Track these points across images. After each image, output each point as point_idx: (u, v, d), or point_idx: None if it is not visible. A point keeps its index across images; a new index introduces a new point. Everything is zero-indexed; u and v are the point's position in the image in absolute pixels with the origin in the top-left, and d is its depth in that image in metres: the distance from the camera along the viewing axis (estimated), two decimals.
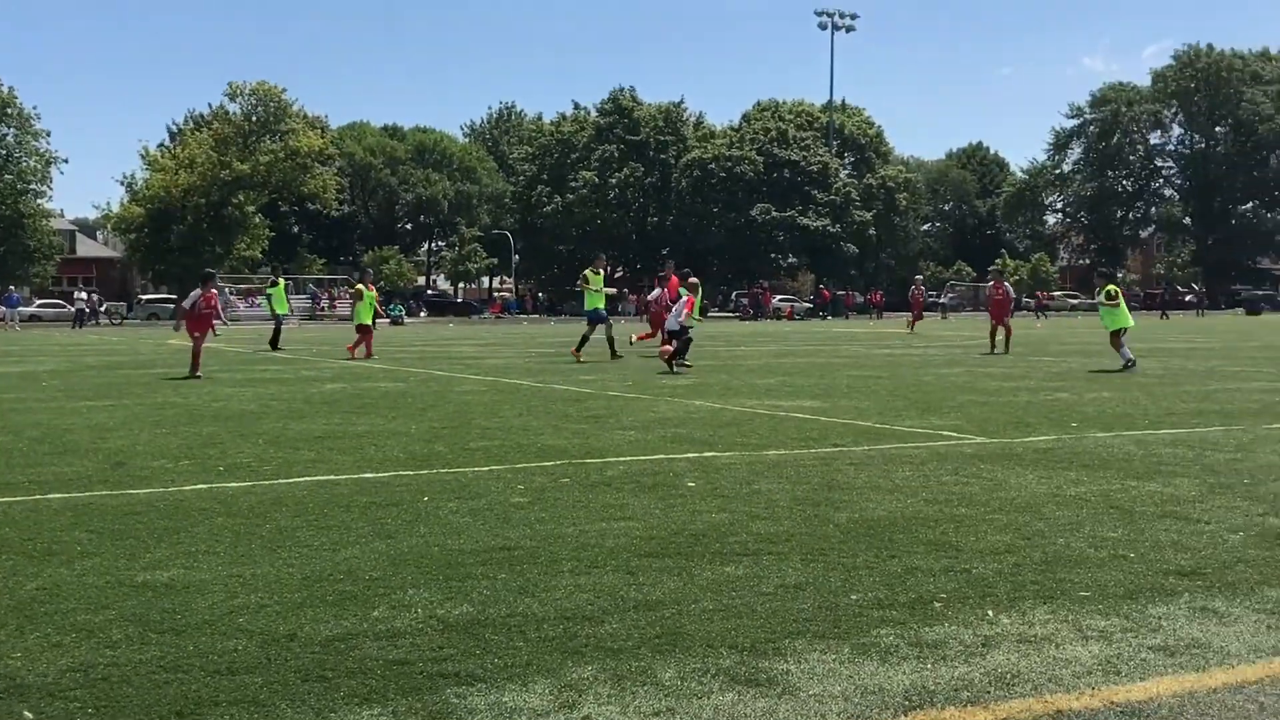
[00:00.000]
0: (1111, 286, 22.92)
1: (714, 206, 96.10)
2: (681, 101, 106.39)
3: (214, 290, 21.94)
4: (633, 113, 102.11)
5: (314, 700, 4.30)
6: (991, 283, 30.78)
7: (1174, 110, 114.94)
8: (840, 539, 6.91)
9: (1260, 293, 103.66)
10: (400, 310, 70.79)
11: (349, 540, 6.92)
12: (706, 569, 6.19)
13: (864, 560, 6.37)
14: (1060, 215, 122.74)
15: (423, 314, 79.61)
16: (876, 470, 9.56)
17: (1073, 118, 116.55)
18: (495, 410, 14.61)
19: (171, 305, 77.12)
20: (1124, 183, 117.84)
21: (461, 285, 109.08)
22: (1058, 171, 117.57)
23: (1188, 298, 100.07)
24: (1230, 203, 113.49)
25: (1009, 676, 4.50)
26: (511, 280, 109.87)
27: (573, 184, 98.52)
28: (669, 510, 7.81)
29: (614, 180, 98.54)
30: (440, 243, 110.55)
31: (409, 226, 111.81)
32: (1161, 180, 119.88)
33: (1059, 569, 6.19)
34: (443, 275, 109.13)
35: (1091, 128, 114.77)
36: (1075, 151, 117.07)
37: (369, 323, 27.50)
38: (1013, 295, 31.27)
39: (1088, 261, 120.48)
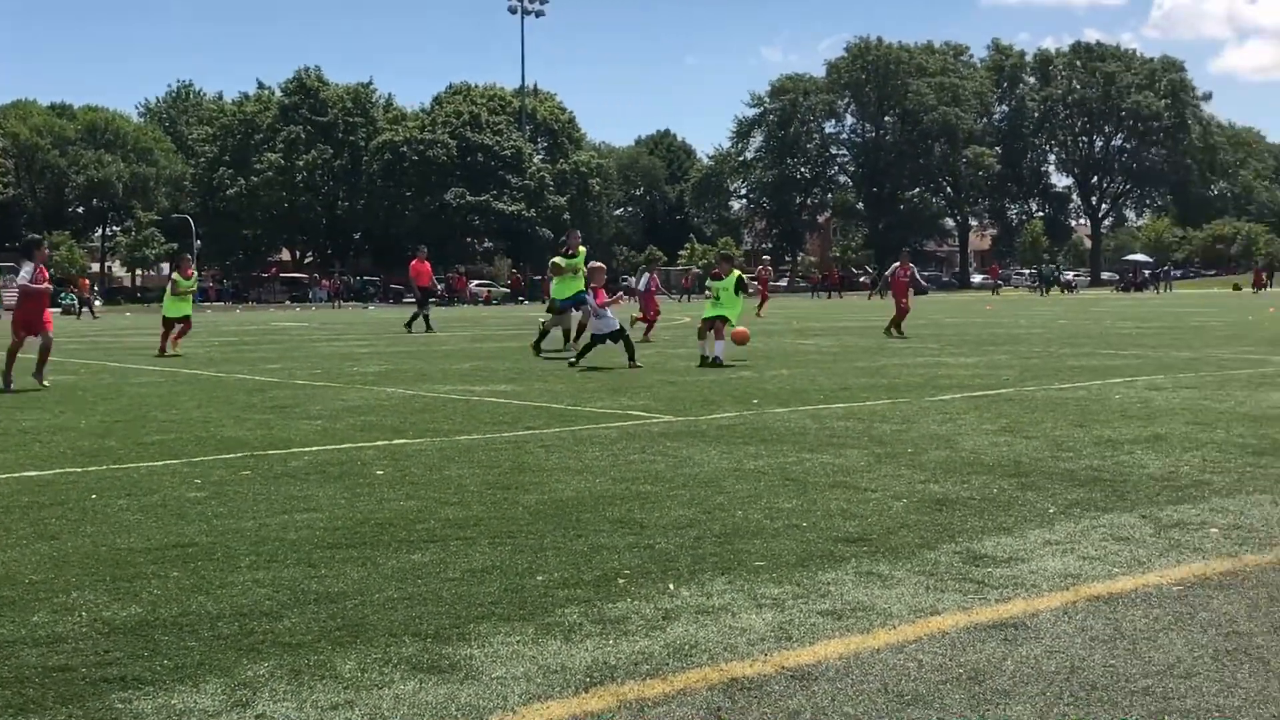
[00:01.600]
0: (737, 271, 19.58)
1: (407, 190, 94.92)
2: (370, 83, 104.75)
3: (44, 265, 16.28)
4: (319, 93, 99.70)
5: None
6: (898, 264, 28.30)
7: (847, 100, 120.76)
8: (529, 521, 6.94)
9: (925, 273, 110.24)
10: (73, 299, 66.62)
11: (8, 543, 6.48)
12: (392, 558, 6.09)
13: (551, 541, 6.42)
14: (744, 201, 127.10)
15: (98, 302, 75.31)
16: (567, 451, 9.65)
17: (754, 107, 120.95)
18: (173, 402, 13.98)
19: None
20: (802, 169, 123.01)
21: (139, 272, 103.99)
22: (741, 159, 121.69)
23: (861, 279, 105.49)
24: (898, 189, 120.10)
25: (687, 647, 4.62)
26: (193, 266, 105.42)
27: (257, 166, 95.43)
28: (355, 500, 7.66)
29: (301, 162, 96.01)
30: (115, 228, 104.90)
31: (80, 210, 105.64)
32: (836, 167, 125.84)
33: (737, 540, 6.40)
34: (118, 262, 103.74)
35: (771, 116, 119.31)
36: (757, 139, 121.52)
37: (178, 315, 23.49)
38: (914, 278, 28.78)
39: (770, 245, 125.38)
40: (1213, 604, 5.15)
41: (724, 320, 18.56)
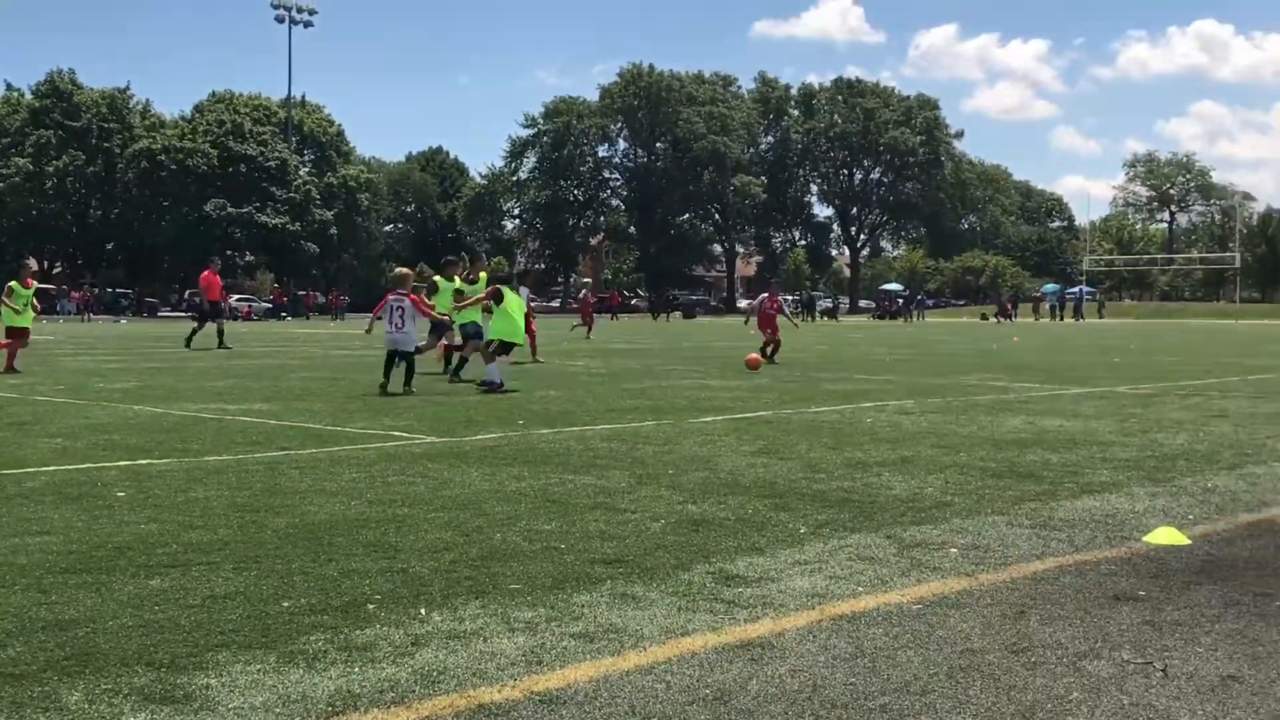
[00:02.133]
0: (503, 288, 18.22)
1: (164, 200, 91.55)
2: (128, 88, 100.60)
3: None
4: (73, 97, 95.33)
5: None
6: (766, 295, 27.29)
7: (620, 125, 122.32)
8: (277, 545, 6.71)
9: (695, 298, 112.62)
10: None
11: None
12: (129, 583, 5.81)
13: (300, 566, 6.22)
14: (518, 220, 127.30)
15: None
16: (322, 473, 9.40)
17: (528, 127, 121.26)
18: None
19: None
20: (575, 192, 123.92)
21: None
22: (515, 178, 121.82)
23: (633, 301, 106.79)
24: (670, 214, 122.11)
25: (435, 674, 4.53)
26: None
27: (3, 171, 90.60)
28: (93, 523, 7.28)
29: (51, 168, 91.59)
30: None
31: None
32: (609, 191, 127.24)
33: (493, 563, 6.34)
34: None
35: (545, 138, 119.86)
36: (531, 160, 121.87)
37: (20, 326, 21.68)
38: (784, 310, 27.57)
39: (544, 266, 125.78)
40: (949, 622, 5.34)
41: (503, 344, 17.81)
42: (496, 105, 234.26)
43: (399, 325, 16.82)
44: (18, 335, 21.56)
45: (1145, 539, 7.15)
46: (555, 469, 9.73)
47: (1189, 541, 7.09)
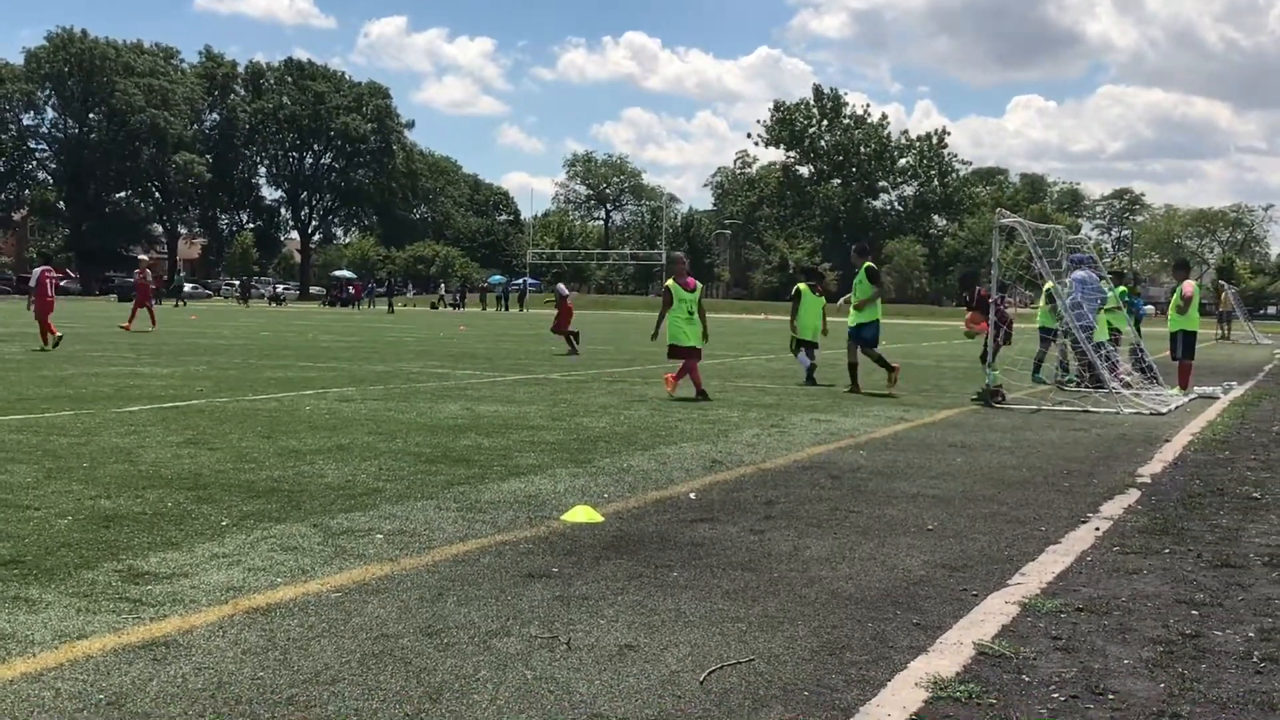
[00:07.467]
0: None
1: None
2: None
3: None
4: None
5: None
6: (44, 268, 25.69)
7: (48, 93, 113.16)
8: None
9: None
10: None
11: None
12: None
13: None
14: None
15: None
16: None
17: None
18: None
19: None
20: None
21: None
22: None
23: (63, 282, 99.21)
24: (104, 190, 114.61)
25: None
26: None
27: None
28: None
29: None
30: None
31: None
32: (35, 163, 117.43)
33: None
34: None
35: None
36: None
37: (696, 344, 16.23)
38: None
39: None
40: (367, 608, 5.33)
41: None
42: None
43: None
44: (688, 356, 16.23)
45: (563, 518, 7.50)
46: None
47: (602, 519, 7.52)
